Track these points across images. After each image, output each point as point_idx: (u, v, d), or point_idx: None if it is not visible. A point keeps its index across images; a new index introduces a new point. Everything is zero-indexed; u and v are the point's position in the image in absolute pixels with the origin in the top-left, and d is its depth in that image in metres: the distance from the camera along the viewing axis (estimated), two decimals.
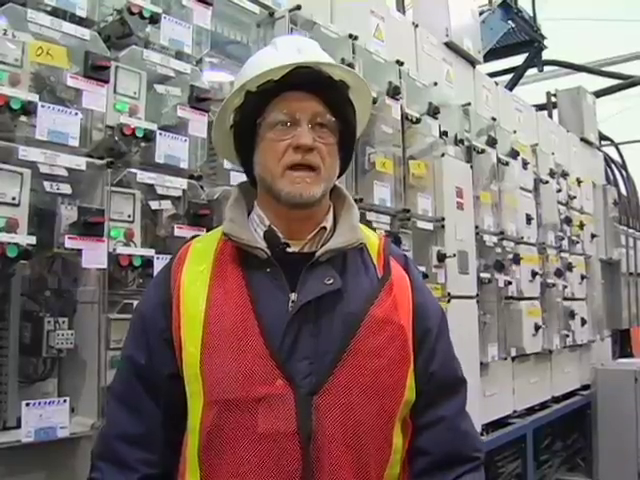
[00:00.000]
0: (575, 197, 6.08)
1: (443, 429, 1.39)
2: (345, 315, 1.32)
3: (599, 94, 7.98)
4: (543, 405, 5.12)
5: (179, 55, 2.47)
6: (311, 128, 1.34)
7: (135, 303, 2.14)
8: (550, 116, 7.17)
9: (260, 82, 1.36)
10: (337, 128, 1.38)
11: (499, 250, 4.49)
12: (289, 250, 1.39)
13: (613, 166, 8.26)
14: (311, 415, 1.25)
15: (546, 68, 8.91)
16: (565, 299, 5.51)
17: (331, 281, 1.32)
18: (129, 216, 2.26)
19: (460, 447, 1.41)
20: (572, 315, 5.53)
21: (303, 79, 1.35)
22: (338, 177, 1.46)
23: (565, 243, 5.68)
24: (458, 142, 4.19)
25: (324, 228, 1.42)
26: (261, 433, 1.26)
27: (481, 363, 4.02)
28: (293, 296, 1.32)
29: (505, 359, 4.46)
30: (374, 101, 3.27)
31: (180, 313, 1.35)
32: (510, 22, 7.14)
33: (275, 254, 1.36)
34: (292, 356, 1.28)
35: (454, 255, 3.70)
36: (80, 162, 2.07)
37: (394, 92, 3.39)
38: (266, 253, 1.35)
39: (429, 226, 3.63)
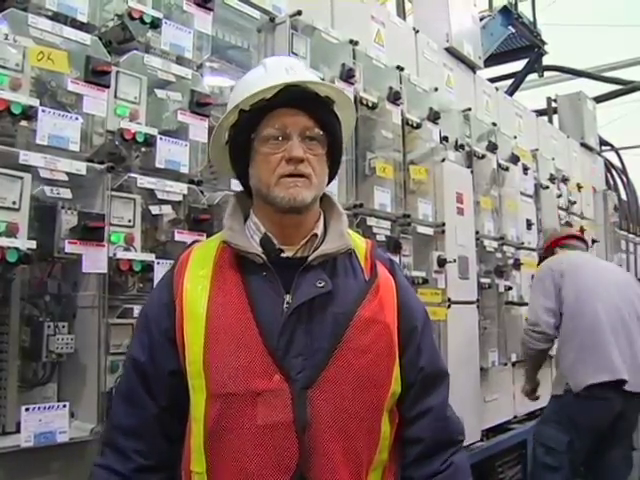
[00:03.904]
0: (575, 202, 6.08)
1: (433, 418, 1.51)
2: (335, 315, 1.43)
3: (599, 99, 7.99)
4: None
5: (180, 60, 2.48)
6: (301, 141, 1.45)
7: (135, 308, 2.17)
8: (550, 121, 7.19)
9: (253, 101, 1.47)
10: (325, 140, 1.50)
11: (499, 255, 4.49)
12: (283, 255, 1.49)
13: (613, 171, 8.27)
14: (306, 407, 1.37)
15: (546, 73, 8.92)
16: None
17: (322, 284, 1.43)
18: (129, 221, 2.26)
19: (447, 433, 1.54)
20: None
21: (292, 97, 1.46)
22: (327, 184, 1.57)
23: None
24: (458, 147, 4.19)
25: (315, 235, 1.52)
26: (261, 424, 1.36)
27: (481, 368, 4.01)
28: (288, 298, 1.43)
29: (505, 364, 4.46)
30: (374, 106, 3.29)
31: (183, 314, 1.44)
32: (510, 27, 7.15)
33: (270, 259, 1.46)
34: (288, 353, 1.39)
35: (454, 260, 3.70)
36: (80, 167, 2.07)
37: (394, 97, 3.40)
38: (262, 258, 1.46)
39: (429, 231, 3.63)
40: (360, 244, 1.59)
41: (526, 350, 3.78)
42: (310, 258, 1.46)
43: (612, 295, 3.62)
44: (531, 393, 4.03)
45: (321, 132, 1.48)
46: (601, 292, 3.60)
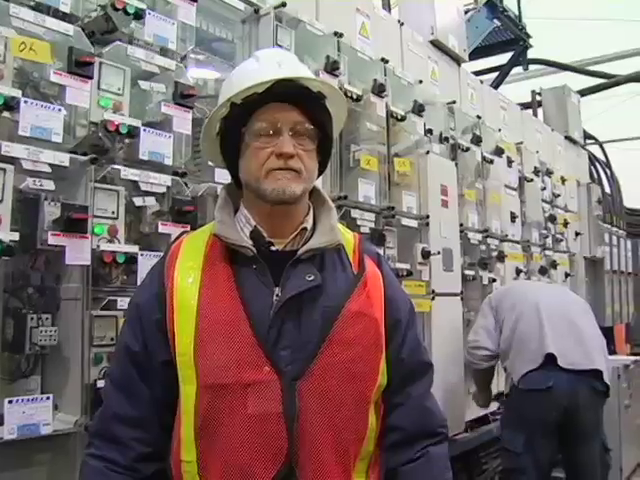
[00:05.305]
0: (559, 195, 6.12)
1: (411, 407, 1.54)
2: (324, 309, 1.44)
3: (584, 93, 8.04)
4: None
5: (164, 51, 2.47)
6: (292, 136, 1.46)
7: (119, 300, 2.16)
8: (535, 114, 7.22)
9: (244, 95, 1.47)
10: (315, 135, 1.50)
11: (483, 248, 4.53)
12: (273, 248, 1.50)
13: (597, 164, 8.34)
14: (295, 398, 1.38)
15: (531, 67, 8.98)
16: None
17: (312, 277, 1.45)
18: (113, 212, 2.26)
19: (425, 423, 1.56)
20: None
21: (284, 91, 1.46)
22: (317, 177, 1.58)
23: (549, 241, 5.73)
24: (443, 140, 4.21)
25: (305, 229, 1.53)
26: (250, 415, 1.38)
27: None
28: (277, 290, 1.44)
29: None
30: (359, 98, 3.29)
31: (174, 305, 1.45)
32: (495, 21, 7.18)
33: (260, 252, 1.47)
34: (277, 345, 1.41)
35: (438, 252, 3.72)
36: (64, 158, 2.06)
37: (379, 89, 3.40)
38: (252, 251, 1.46)
39: (414, 223, 3.64)
40: (349, 238, 1.61)
41: (471, 370, 3.85)
42: (300, 252, 1.47)
43: (553, 295, 3.76)
44: (483, 403, 4.05)
45: (312, 127, 1.48)
46: (541, 293, 3.72)
